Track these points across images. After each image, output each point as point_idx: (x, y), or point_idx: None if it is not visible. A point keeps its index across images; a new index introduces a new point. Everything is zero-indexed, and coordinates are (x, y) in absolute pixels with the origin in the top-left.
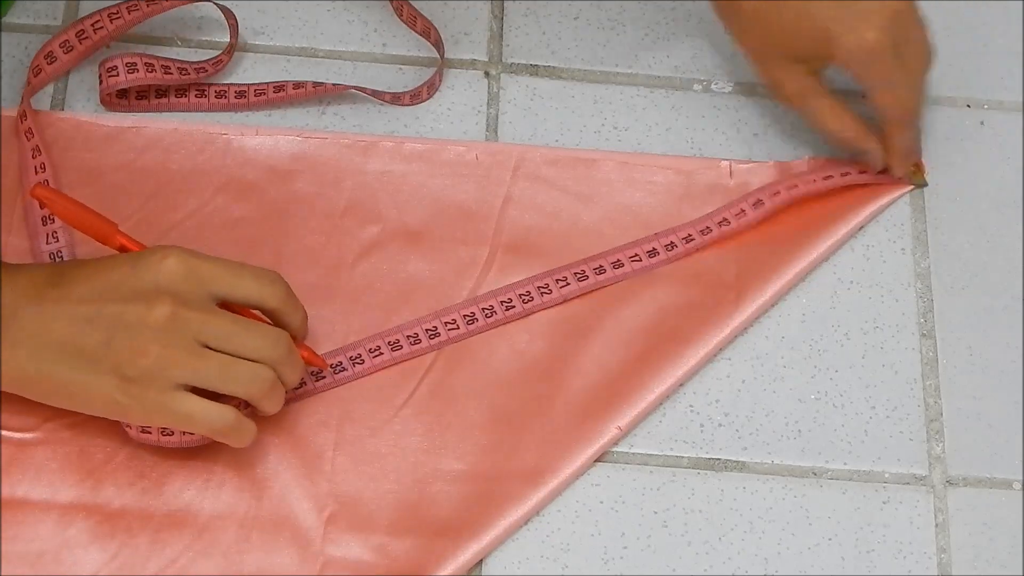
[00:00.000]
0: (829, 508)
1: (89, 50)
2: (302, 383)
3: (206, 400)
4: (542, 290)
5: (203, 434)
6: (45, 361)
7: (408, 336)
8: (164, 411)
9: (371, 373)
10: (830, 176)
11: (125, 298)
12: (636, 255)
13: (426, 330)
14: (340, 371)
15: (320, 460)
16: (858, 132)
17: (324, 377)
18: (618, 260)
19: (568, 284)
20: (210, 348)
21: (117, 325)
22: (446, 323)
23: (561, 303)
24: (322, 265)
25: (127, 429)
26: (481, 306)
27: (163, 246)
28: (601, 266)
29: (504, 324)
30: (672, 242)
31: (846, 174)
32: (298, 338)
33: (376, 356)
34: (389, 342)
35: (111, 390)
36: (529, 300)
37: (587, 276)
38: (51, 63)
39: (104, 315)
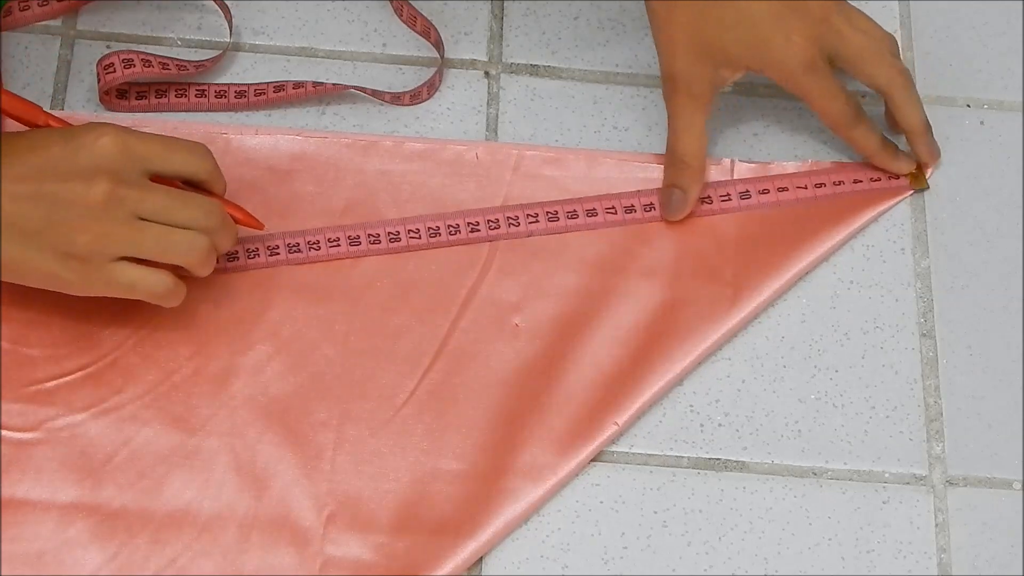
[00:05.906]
0: (829, 508)
1: (65, 8)
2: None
3: (145, 268)
4: (511, 221)
5: (142, 299)
6: None
7: (370, 235)
8: (106, 283)
9: (316, 261)
10: (822, 184)
11: (63, 176)
12: (612, 207)
13: (388, 233)
14: (294, 252)
15: (320, 460)
16: (694, 169)
17: (277, 254)
18: (593, 208)
19: (537, 221)
20: (146, 220)
21: (56, 204)
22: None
23: (527, 236)
24: (322, 264)
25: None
26: (458, 221)
27: (96, 124)
28: (575, 211)
29: (467, 244)
30: (651, 203)
31: (839, 183)
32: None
33: (333, 247)
34: (349, 236)
35: (51, 265)
36: (496, 227)
37: (558, 218)
38: (24, 11)
39: (43, 194)
